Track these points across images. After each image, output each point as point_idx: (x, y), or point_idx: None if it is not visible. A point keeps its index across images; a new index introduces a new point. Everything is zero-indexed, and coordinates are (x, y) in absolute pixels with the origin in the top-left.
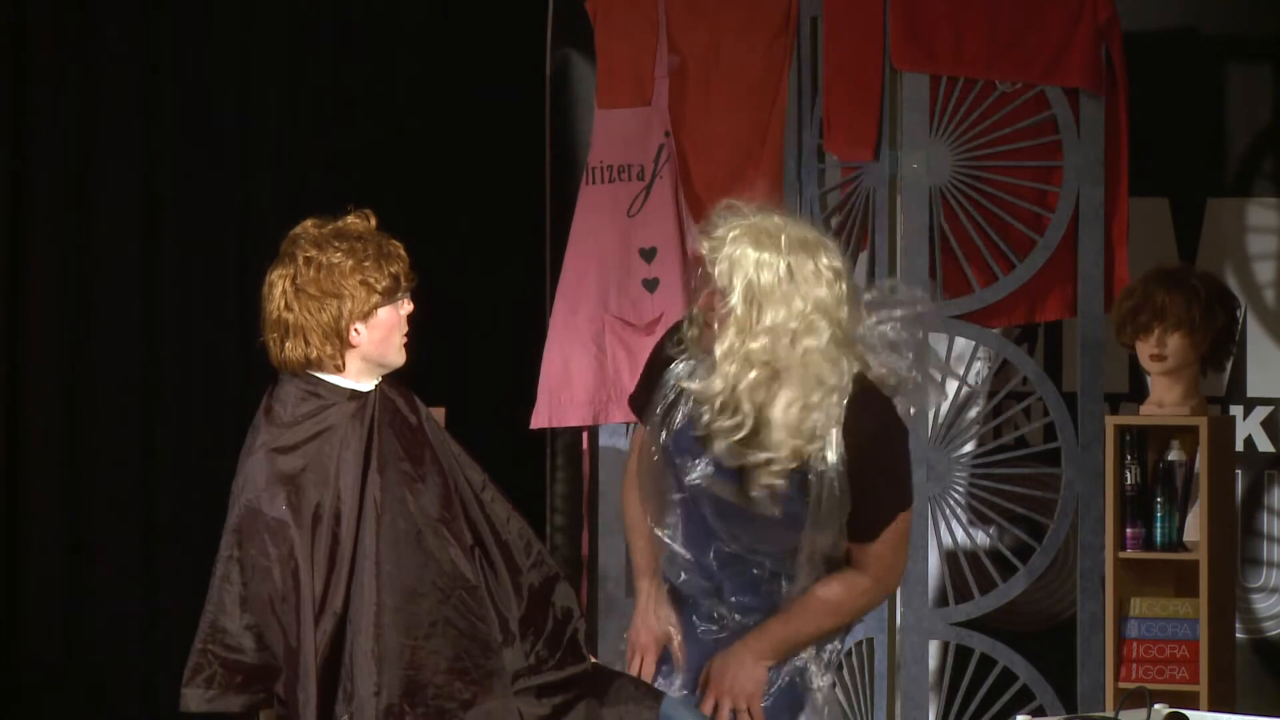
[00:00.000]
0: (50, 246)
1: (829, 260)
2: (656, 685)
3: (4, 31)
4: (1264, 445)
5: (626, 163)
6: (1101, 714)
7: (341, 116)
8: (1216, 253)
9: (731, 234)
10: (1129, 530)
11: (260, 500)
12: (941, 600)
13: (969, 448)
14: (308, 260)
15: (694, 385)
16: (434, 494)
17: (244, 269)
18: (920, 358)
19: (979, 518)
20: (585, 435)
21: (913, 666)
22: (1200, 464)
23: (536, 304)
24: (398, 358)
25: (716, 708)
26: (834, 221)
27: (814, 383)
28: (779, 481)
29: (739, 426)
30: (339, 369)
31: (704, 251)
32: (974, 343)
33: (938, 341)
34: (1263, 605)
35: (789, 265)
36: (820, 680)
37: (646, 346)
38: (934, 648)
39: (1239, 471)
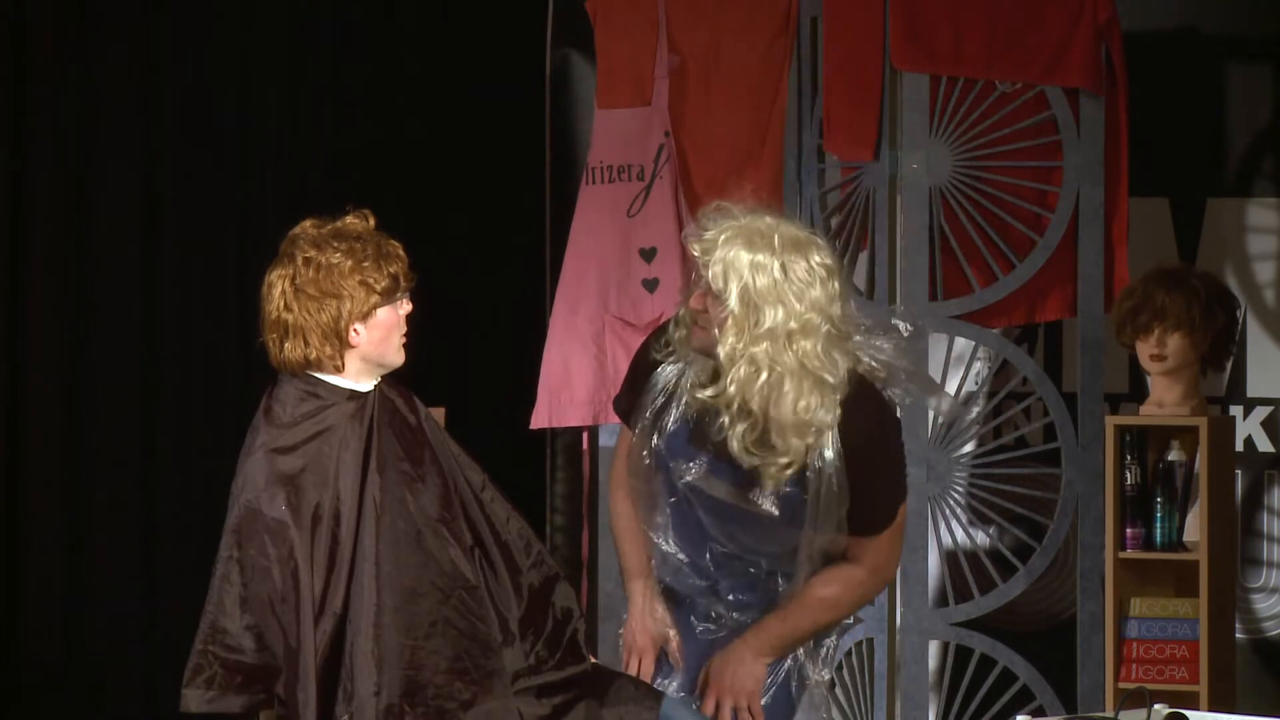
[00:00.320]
0: (50, 246)
1: (820, 258)
2: (655, 685)
3: (4, 31)
4: (1264, 445)
5: (626, 163)
6: (1101, 714)
7: (341, 116)
8: (1216, 253)
9: (724, 236)
10: (1129, 530)
11: (260, 501)
12: (941, 600)
13: (969, 448)
14: (307, 261)
15: (707, 393)
16: (433, 494)
17: (244, 269)
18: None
19: (979, 518)
20: (585, 435)
21: (913, 666)
22: (1200, 464)
23: (536, 304)
24: (397, 358)
25: (718, 707)
26: (834, 221)
27: (814, 381)
28: (787, 483)
29: (753, 428)
30: (338, 369)
31: (696, 254)
32: (974, 343)
33: (938, 341)
34: (1263, 605)
35: (783, 266)
36: (817, 676)
37: None
38: (934, 648)
39: (1239, 471)
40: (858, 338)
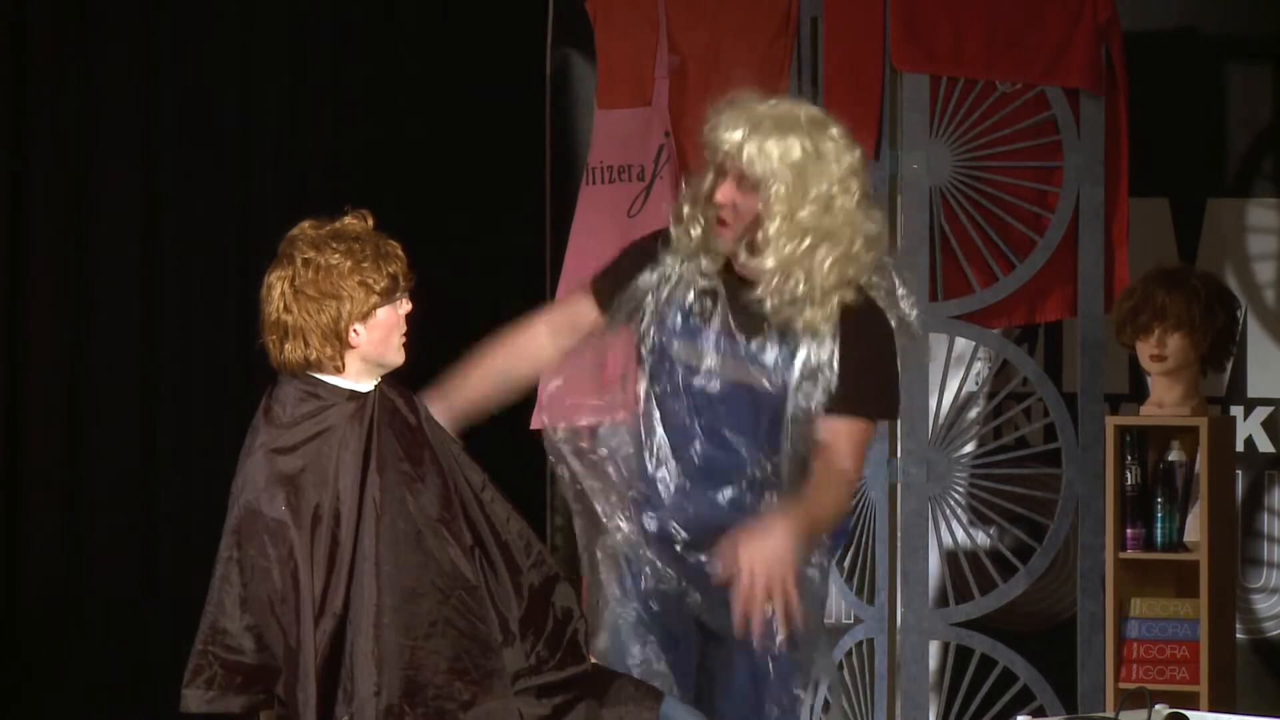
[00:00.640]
0: (50, 246)
1: (839, 130)
2: (615, 595)
3: (4, 31)
4: (1264, 445)
5: (626, 163)
6: (1101, 714)
7: (341, 116)
8: (1216, 253)
9: (750, 126)
10: (1129, 530)
11: (259, 501)
12: (941, 600)
13: (969, 448)
14: (306, 262)
15: (749, 260)
16: (433, 494)
17: (244, 269)
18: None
19: (979, 518)
20: None
21: (913, 667)
22: (1200, 464)
23: (536, 304)
24: (397, 357)
25: (749, 591)
26: None
27: (854, 234)
28: (783, 356)
29: (795, 288)
30: (339, 370)
31: (724, 148)
32: (974, 343)
33: (938, 341)
34: (1263, 605)
35: (814, 142)
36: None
37: None
38: (934, 648)
39: (1239, 471)
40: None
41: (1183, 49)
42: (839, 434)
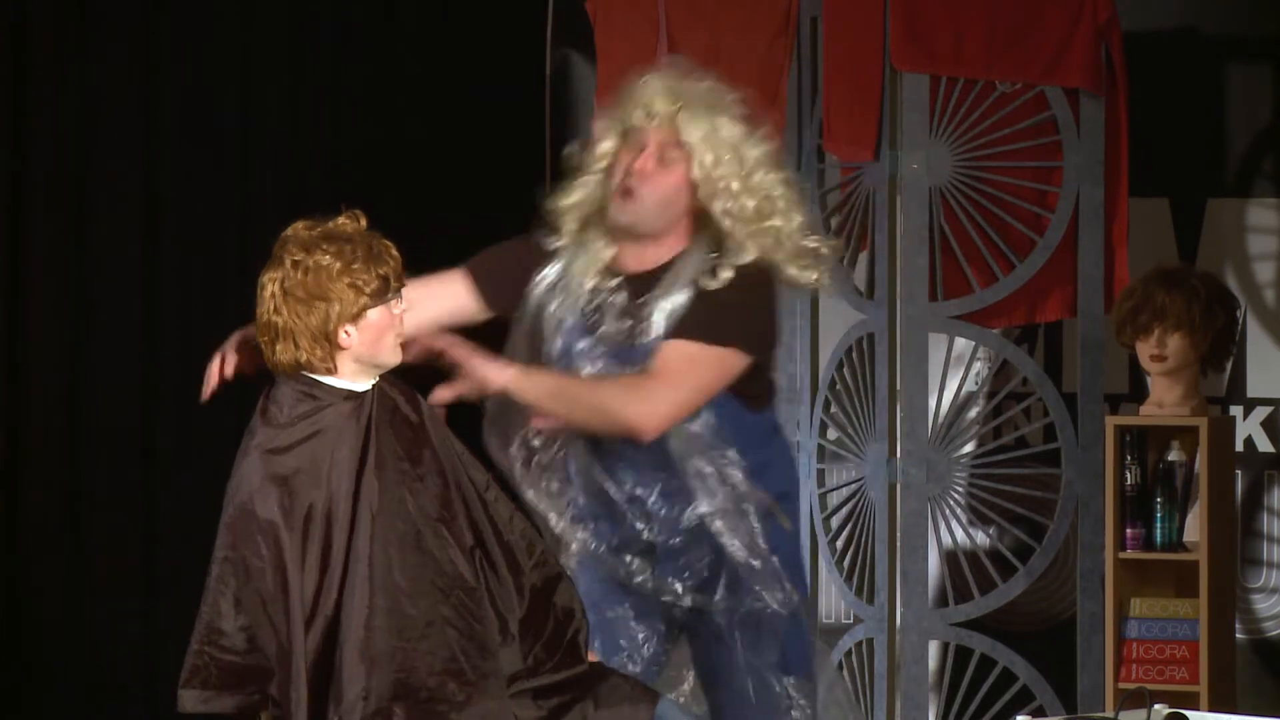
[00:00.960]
0: (50, 246)
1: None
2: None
3: (4, 31)
4: (1264, 445)
5: None
6: (1101, 714)
7: (341, 116)
8: (1216, 253)
9: (686, 99)
10: (1129, 530)
11: (253, 501)
12: (941, 600)
13: (969, 448)
14: (295, 263)
15: (648, 231)
16: (433, 493)
17: (244, 269)
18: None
19: (979, 518)
20: None
21: (913, 667)
22: (1200, 464)
23: None
24: (391, 357)
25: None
26: (834, 221)
27: (789, 218)
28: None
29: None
30: (331, 370)
31: (653, 118)
32: (974, 343)
33: (938, 341)
34: (1263, 605)
35: (743, 123)
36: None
37: None
38: (934, 648)
39: (1239, 471)
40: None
41: (1183, 49)
42: (669, 352)
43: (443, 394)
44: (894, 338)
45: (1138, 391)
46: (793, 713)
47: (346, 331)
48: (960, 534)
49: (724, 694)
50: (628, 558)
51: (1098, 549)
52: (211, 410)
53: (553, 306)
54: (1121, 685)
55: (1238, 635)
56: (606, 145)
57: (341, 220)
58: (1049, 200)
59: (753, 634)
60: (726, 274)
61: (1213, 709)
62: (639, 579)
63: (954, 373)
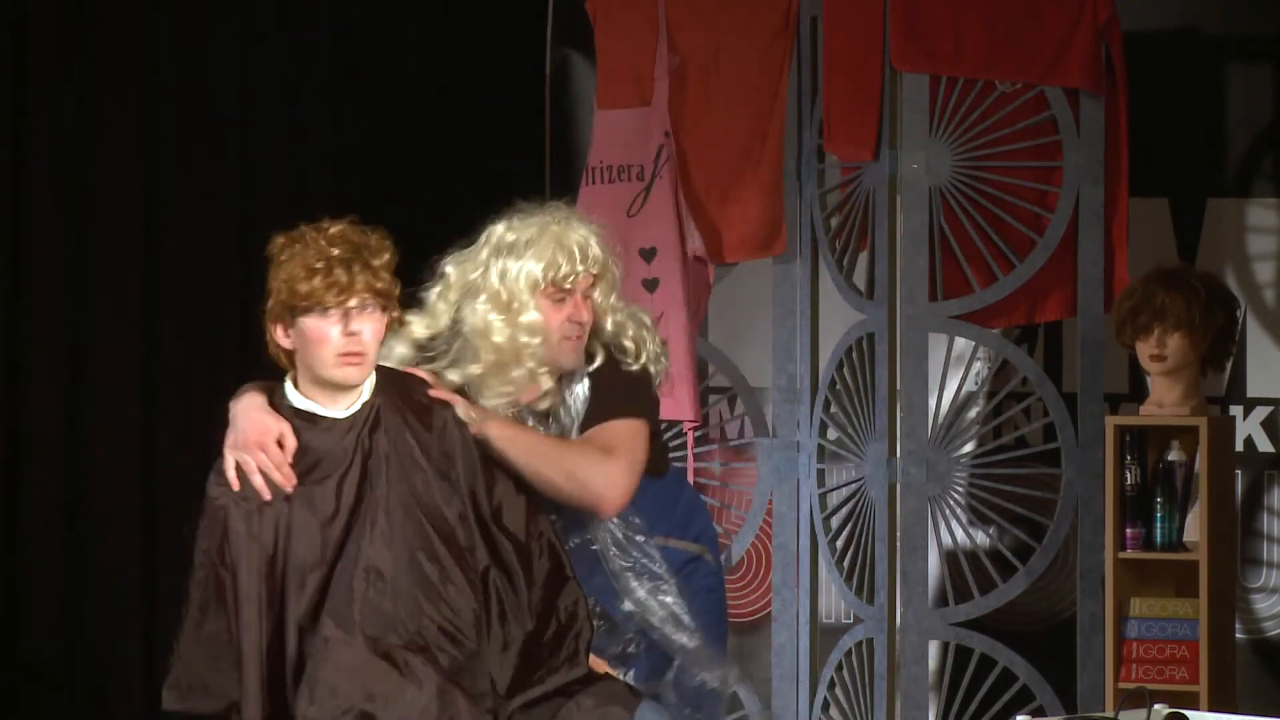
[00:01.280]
0: (50, 246)
1: None
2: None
3: (4, 31)
4: (1264, 445)
5: (626, 163)
6: (1101, 714)
7: (341, 116)
8: (1216, 253)
9: (585, 231)
10: (1129, 530)
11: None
12: (941, 600)
13: (969, 448)
14: (272, 255)
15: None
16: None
17: (244, 269)
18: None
19: (979, 518)
20: None
21: (913, 667)
22: (1200, 464)
23: None
24: (329, 372)
25: None
26: (834, 221)
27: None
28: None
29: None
30: (286, 368)
31: (590, 263)
32: (974, 343)
33: (938, 341)
34: (1263, 605)
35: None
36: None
37: None
38: (934, 648)
39: (1239, 471)
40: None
41: (1183, 49)
42: (605, 432)
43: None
44: (894, 338)
45: (1138, 391)
46: None
47: (286, 332)
48: (960, 534)
49: None
50: None
51: (1098, 549)
52: (211, 410)
53: None
54: (1121, 685)
55: (1238, 635)
56: (532, 306)
57: (332, 226)
58: (1049, 200)
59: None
60: (608, 365)
61: (1213, 709)
62: None
63: (954, 373)
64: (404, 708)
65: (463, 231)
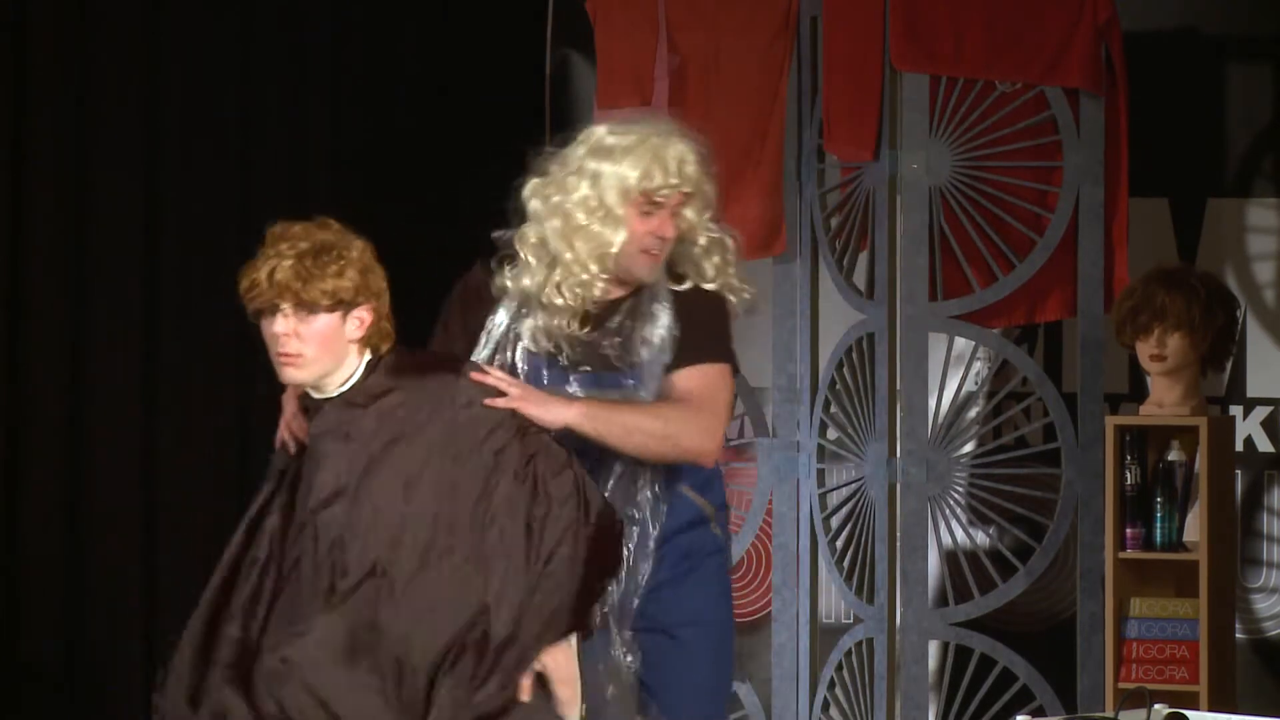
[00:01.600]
0: (50, 246)
1: None
2: None
3: (4, 31)
4: (1264, 445)
5: None
6: (1101, 714)
7: (341, 116)
8: (1216, 253)
9: (685, 143)
10: (1129, 530)
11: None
12: (941, 600)
13: (969, 448)
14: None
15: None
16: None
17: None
18: None
19: (979, 518)
20: None
21: (913, 667)
22: (1200, 464)
23: None
24: (280, 371)
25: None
26: (834, 221)
27: None
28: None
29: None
30: None
31: (679, 179)
32: (974, 343)
33: (938, 341)
34: (1263, 605)
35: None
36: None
37: None
38: (934, 648)
39: (1239, 471)
40: None
41: (1183, 49)
42: (693, 378)
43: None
44: (894, 338)
45: (1138, 391)
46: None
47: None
48: (960, 534)
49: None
50: None
51: (1098, 549)
52: (211, 411)
53: (511, 352)
54: (1121, 685)
55: (1238, 635)
56: (617, 216)
57: (286, 227)
58: (1049, 200)
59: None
60: (695, 292)
61: (1213, 709)
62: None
63: (954, 373)
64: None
65: (462, 231)
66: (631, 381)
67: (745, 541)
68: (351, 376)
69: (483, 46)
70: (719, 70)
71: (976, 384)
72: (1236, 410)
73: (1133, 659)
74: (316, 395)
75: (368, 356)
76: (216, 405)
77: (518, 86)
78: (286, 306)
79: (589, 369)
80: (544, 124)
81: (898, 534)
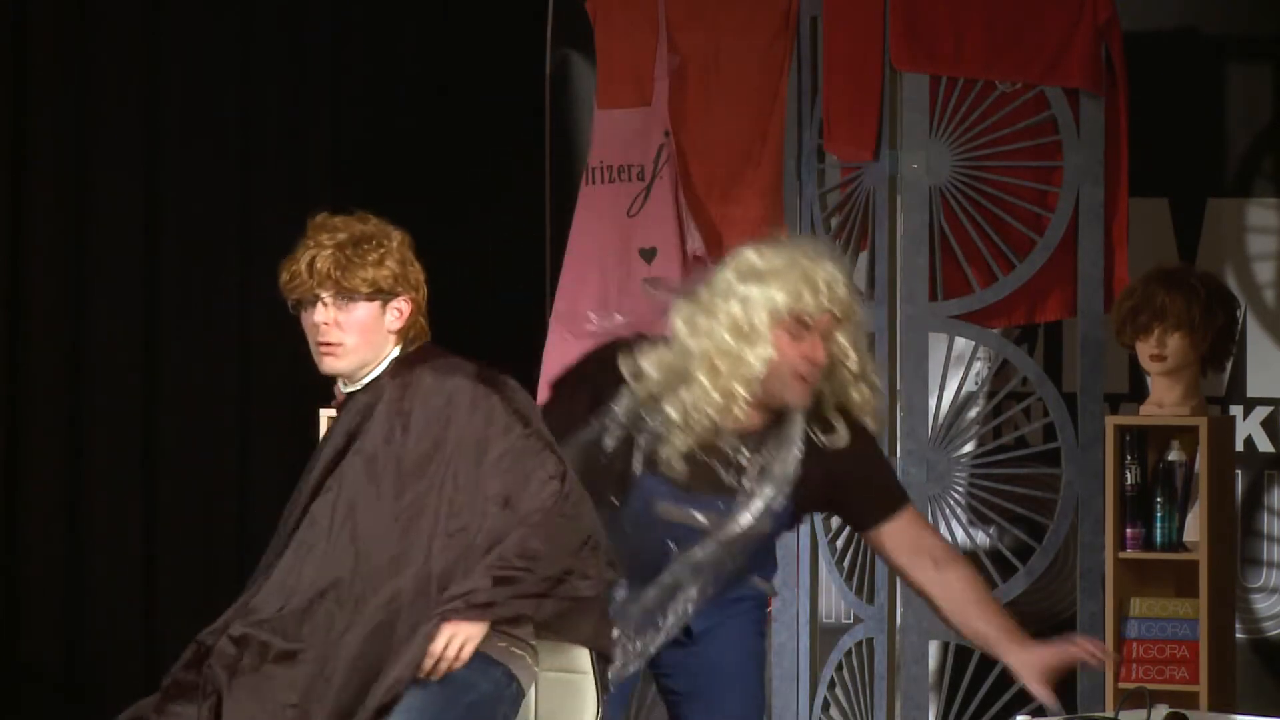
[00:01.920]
0: (50, 246)
1: None
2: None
3: (4, 31)
4: (1264, 445)
5: (626, 163)
6: (1101, 714)
7: (341, 116)
8: (1216, 253)
9: (839, 272)
10: (1129, 530)
11: None
12: None
13: (969, 448)
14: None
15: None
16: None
17: (244, 269)
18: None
19: (979, 518)
20: None
21: (913, 666)
22: (1200, 464)
23: (537, 304)
24: (318, 361)
25: None
26: (834, 221)
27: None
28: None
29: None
30: None
31: (837, 305)
32: (974, 343)
33: (938, 341)
34: (1263, 605)
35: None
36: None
37: None
38: (934, 648)
39: (1239, 471)
40: None
41: (1183, 49)
42: (920, 522)
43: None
44: (894, 338)
45: (1138, 391)
46: None
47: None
48: (960, 534)
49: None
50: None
51: (1098, 549)
52: (212, 411)
53: (634, 457)
54: (1121, 685)
55: (1238, 635)
56: (760, 320)
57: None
58: (1049, 200)
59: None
60: (844, 432)
61: (1213, 709)
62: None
63: (954, 373)
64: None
65: (462, 231)
66: (722, 506)
67: None
68: (376, 369)
69: (483, 46)
70: (719, 70)
71: (976, 384)
72: (1236, 410)
73: (1133, 659)
74: (346, 388)
75: (395, 351)
76: (216, 405)
77: (518, 86)
78: (326, 296)
79: (691, 489)
80: (544, 124)
81: None
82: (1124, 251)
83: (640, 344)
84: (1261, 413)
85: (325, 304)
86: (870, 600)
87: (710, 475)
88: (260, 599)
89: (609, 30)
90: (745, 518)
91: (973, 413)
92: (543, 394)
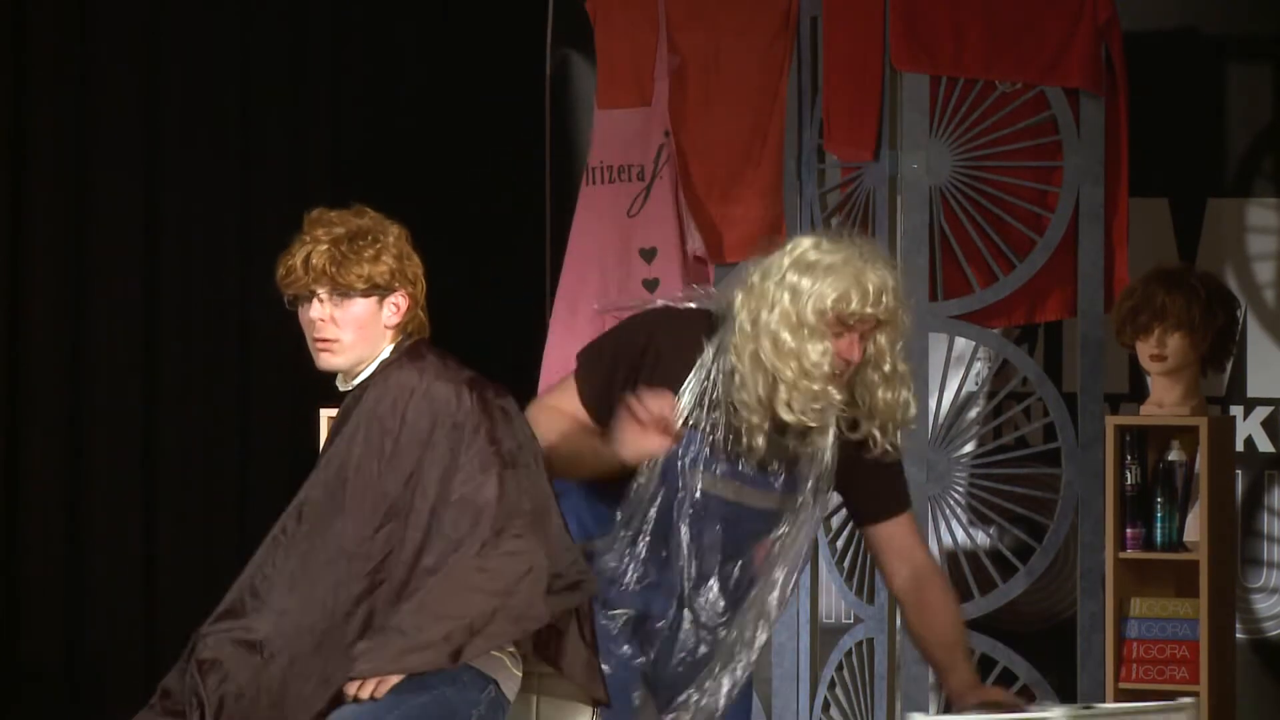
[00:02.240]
0: (50, 246)
1: None
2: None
3: (4, 31)
4: (1264, 445)
5: (626, 163)
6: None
7: (341, 116)
8: (1216, 253)
9: (887, 271)
10: (1129, 530)
11: None
12: None
13: (969, 448)
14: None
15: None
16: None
17: (244, 268)
18: None
19: (979, 518)
20: None
21: (913, 667)
22: (1200, 464)
23: (537, 304)
24: (316, 359)
25: None
26: (834, 222)
27: None
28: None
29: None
30: None
31: (874, 306)
32: (974, 343)
33: (938, 341)
34: (1263, 605)
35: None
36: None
37: None
38: None
39: (1239, 471)
40: None
41: (1183, 49)
42: (915, 533)
43: None
44: None
45: (1138, 391)
46: None
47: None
48: (960, 534)
49: None
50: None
51: (1098, 549)
52: (212, 411)
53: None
54: (1121, 685)
55: (1238, 635)
56: (813, 337)
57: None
58: (1049, 200)
59: None
60: (878, 436)
61: (1213, 709)
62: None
63: (954, 373)
64: None
65: (462, 232)
66: (778, 488)
67: None
68: (371, 365)
69: (483, 46)
70: (719, 70)
71: (977, 384)
72: (1236, 410)
73: (1133, 659)
74: (341, 387)
75: (390, 349)
76: (217, 405)
77: (518, 86)
78: (322, 292)
79: (748, 470)
80: (544, 124)
81: None
82: (1124, 251)
83: (680, 318)
84: (1262, 413)
85: (321, 300)
86: (870, 600)
87: (783, 453)
88: (237, 599)
89: (609, 30)
90: (791, 499)
91: (973, 413)
92: (553, 378)
